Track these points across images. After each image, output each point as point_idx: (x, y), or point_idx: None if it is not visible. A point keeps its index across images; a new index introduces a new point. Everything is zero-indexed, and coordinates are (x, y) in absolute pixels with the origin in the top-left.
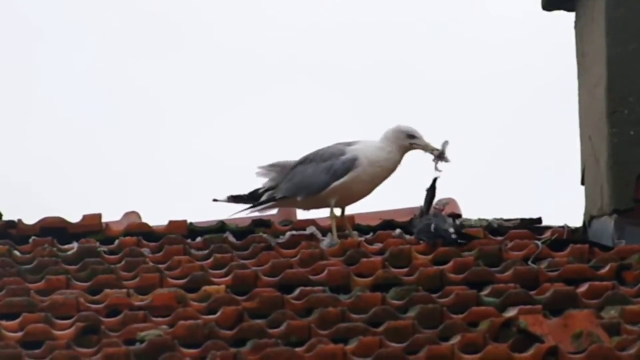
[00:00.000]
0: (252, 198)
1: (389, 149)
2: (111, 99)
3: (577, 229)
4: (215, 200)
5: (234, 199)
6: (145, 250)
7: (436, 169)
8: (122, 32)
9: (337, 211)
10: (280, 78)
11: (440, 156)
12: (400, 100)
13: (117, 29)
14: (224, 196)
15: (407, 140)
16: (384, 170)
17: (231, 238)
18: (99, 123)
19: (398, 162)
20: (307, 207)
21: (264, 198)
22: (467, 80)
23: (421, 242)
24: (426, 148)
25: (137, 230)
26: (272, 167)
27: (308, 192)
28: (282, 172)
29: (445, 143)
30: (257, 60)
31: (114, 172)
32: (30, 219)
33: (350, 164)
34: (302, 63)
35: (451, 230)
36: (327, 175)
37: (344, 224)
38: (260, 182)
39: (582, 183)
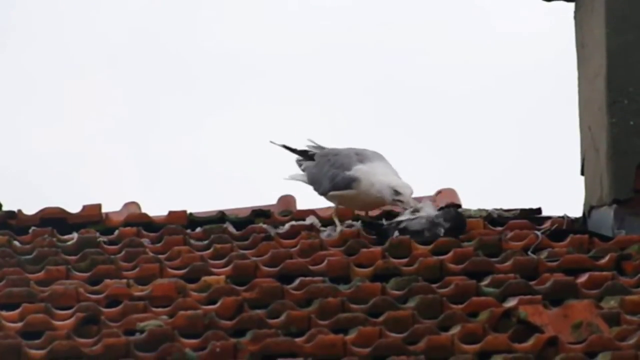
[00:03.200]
0: (303, 155)
1: (383, 188)
2: (112, 92)
3: (576, 219)
4: (272, 142)
5: (288, 148)
6: (145, 241)
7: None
8: (120, 30)
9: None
10: (280, 77)
11: (414, 212)
12: (397, 96)
13: (115, 28)
14: (280, 142)
15: (393, 196)
16: (377, 200)
17: (231, 228)
18: (98, 115)
19: (387, 200)
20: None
21: (302, 167)
22: (468, 76)
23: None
24: (407, 205)
25: (137, 220)
26: (315, 147)
27: (316, 190)
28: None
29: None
30: (256, 57)
31: (114, 163)
32: (29, 210)
33: (349, 183)
34: (307, 60)
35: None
36: (330, 183)
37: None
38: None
39: (582, 173)
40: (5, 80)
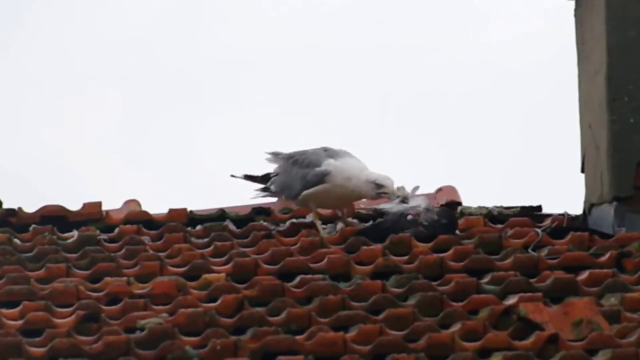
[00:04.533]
0: (265, 180)
1: (361, 184)
2: (113, 92)
3: (577, 216)
4: (232, 176)
5: (249, 178)
6: (146, 239)
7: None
8: (120, 31)
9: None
10: (280, 76)
11: (403, 201)
12: (399, 95)
13: (114, 29)
14: (241, 174)
15: (375, 190)
16: (354, 194)
17: (231, 226)
18: (99, 114)
19: (368, 195)
20: (297, 205)
21: (267, 185)
22: (468, 74)
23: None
24: (392, 195)
25: (137, 218)
26: (276, 155)
27: (288, 195)
28: (282, 163)
29: (415, 189)
30: (256, 57)
31: (114, 160)
32: (29, 209)
33: (321, 178)
34: (306, 60)
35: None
36: (300, 183)
37: (343, 216)
38: (271, 167)
39: (582, 171)
40: (7, 81)
